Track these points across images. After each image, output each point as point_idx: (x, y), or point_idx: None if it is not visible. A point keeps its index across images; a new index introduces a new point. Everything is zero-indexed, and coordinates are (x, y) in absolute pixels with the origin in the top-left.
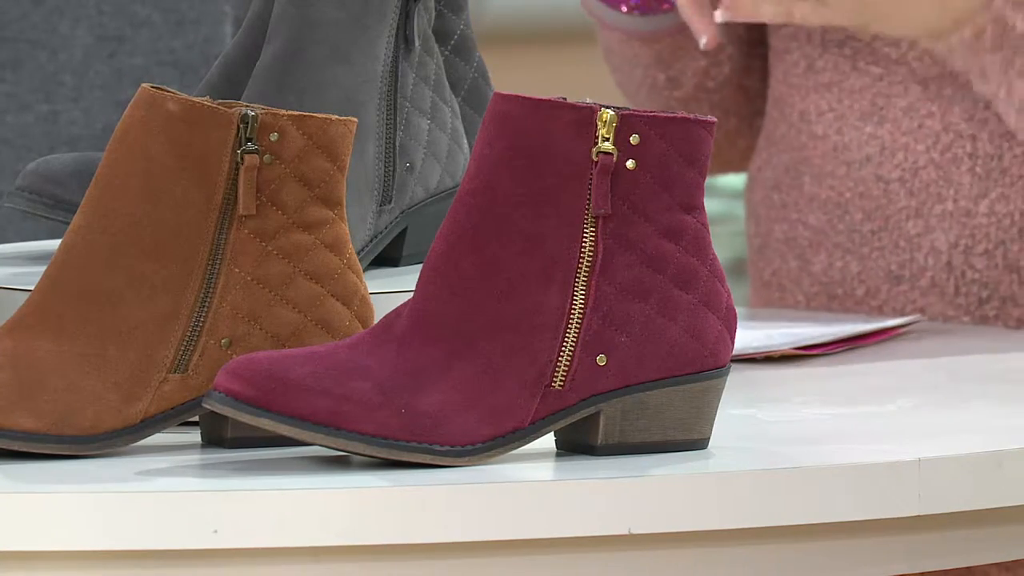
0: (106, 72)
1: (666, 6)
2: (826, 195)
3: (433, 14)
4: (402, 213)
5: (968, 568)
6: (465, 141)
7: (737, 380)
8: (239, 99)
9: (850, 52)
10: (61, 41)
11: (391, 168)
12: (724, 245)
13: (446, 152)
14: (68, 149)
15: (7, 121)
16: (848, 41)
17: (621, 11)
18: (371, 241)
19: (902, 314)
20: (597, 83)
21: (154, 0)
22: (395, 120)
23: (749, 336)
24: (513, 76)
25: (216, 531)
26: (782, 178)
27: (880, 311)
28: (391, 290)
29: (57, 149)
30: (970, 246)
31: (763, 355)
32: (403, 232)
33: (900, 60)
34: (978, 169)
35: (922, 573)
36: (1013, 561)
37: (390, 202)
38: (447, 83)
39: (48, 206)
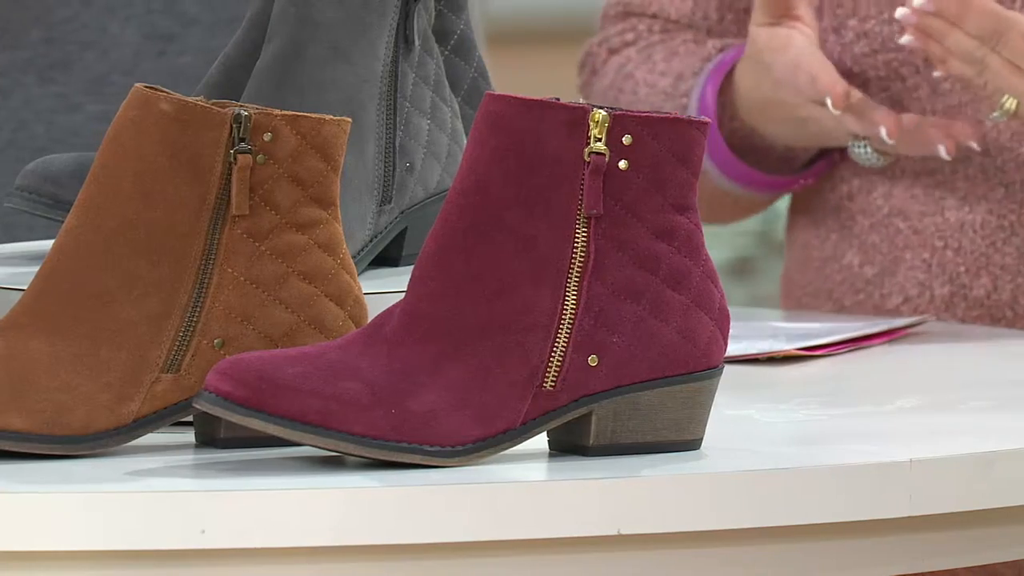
0: (156, 71)
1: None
2: (983, 219)
3: (433, 14)
4: (402, 213)
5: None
6: (465, 141)
7: (738, 380)
8: (239, 99)
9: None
10: (111, 41)
11: (391, 168)
12: (725, 245)
13: (446, 152)
14: None
15: (58, 121)
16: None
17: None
18: (371, 241)
19: None
20: None
21: None
22: (395, 120)
23: (753, 336)
24: (513, 76)
25: (204, 531)
26: (909, 206)
27: None
28: (390, 290)
29: None
30: None
31: (766, 355)
32: (403, 232)
33: None
34: None
35: (915, 574)
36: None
37: (390, 202)
38: (447, 83)
39: (48, 206)
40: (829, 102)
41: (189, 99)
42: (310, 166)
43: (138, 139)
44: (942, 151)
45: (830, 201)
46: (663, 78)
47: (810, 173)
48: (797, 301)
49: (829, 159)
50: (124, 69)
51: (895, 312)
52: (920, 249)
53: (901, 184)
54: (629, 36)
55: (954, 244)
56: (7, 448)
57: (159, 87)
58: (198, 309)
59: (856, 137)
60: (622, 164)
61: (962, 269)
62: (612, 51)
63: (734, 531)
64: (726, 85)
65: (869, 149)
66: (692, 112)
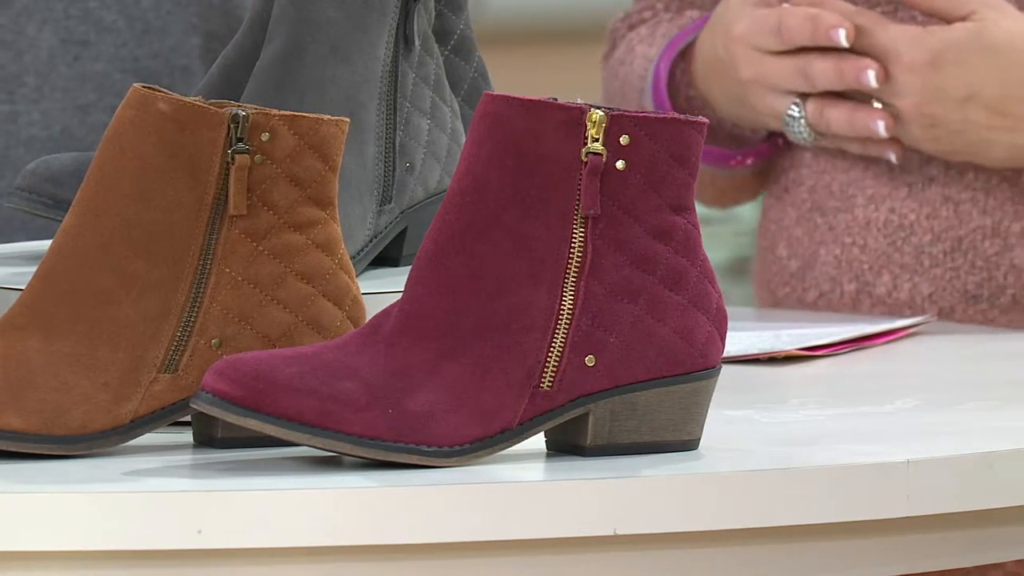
0: (70, 76)
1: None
2: (885, 218)
3: (433, 14)
4: (402, 213)
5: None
6: (465, 141)
7: (739, 381)
8: (239, 99)
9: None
10: (27, 43)
11: (391, 168)
12: (724, 245)
13: (446, 152)
14: (24, 150)
15: None
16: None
17: (730, 166)
18: (371, 241)
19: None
20: (596, 84)
21: (121, 7)
22: (395, 120)
23: (755, 336)
24: (513, 76)
25: (201, 531)
26: (826, 201)
27: None
28: (390, 290)
29: (14, 149)
30: None
31: (766, 355)
32: (403, 232)
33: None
34: None
35: (914, 574)
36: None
37: (390, 202)
38: (447, 83)
39: (48, 206)
40: None
41: (187, 99)
42: (308, 166)
43: (136, 139)
44: (881, 128)
45: (772, 193)
46: (652, 48)
47: (749, 152)
48: (755, 291)
49: (773, 143)
50: (38, 71)
51: (813, 306)
52: (832, 245)
53: (824, 180)
54: (647, 14)
55: (860, 242)
56: (5, 448)
57: (157, 87)
58: (196, 309)
59: (794, 105)
60: (619, 164)
61: (866, 267)
62: (631, 27)
63: (731, 531)
64: (688, 52)
65: (803, 124)
66: (648, 81)
